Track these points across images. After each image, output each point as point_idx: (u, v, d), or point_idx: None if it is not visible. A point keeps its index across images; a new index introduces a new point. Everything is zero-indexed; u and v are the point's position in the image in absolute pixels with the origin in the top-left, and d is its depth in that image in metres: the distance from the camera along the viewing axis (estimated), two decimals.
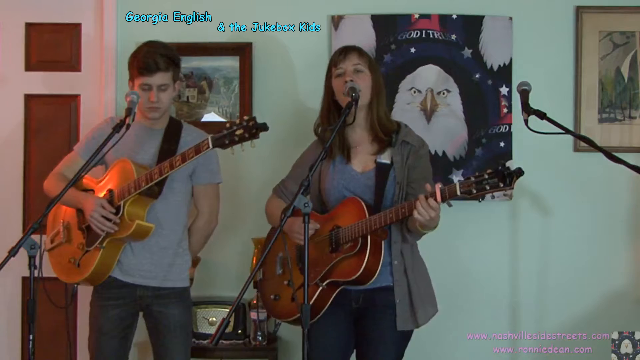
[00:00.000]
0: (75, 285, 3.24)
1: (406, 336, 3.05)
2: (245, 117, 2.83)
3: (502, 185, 2.56)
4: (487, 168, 2.61)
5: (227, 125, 2.86)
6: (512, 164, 3.70)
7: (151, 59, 3.12)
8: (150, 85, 3.13)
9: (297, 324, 3.06)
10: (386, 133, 3.05)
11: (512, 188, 2.58)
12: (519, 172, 2.55)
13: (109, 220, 3.07)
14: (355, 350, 3.11)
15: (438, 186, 2.70)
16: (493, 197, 2.62)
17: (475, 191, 2.61)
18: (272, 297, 3.13)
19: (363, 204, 2.93)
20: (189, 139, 3.21)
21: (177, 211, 3.26)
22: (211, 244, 3.79)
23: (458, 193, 2.64)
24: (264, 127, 2.80)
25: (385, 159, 3.03)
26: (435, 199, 2.68)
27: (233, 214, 3.22)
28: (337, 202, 3.03)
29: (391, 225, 2.92)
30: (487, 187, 2.58)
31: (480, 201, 2.67)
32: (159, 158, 3.16)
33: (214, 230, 3.40)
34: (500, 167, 2.56)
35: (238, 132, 2.82)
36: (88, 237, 3.16)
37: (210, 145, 2.90)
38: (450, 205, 2.74)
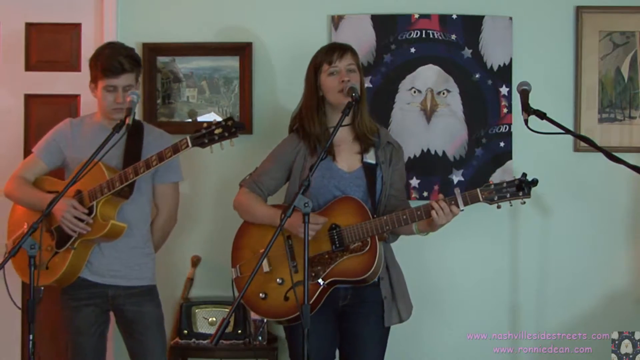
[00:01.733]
0: (42, 288, 3.15)
1: (388, 332, 3.11)
2: (224, 117, 2.91)
3: (521, 194, 2.80)
4: (503, 181, 2.83)
5: (205, 125, 2.90)
6: (511, 164, 3.73)
7: (116, 60, 3.12)
8: (115, 86, 3.14)
9: (288, 323, 3.06)
10: (370, 133, 3.09)
11: (529, 197, 2.80)
12: (535, 182, 2.79)
13: (82, 220, 3.07)
14: (340, 347, 3.13)
15: (458, 191, 2.84)
16: (511, 204, 2.87)
17: (497, 198, 2.82)
18: (260, 295, 3.04)
19: (364, 204, 2.96)
20: (150, 139, 3.24)
21: (144, 211, 3.28)
22: (211, 243, 3.79)
23: (480, 199, 2.83)
24: (242, 127, 2.91)
25: (370, 158, 3.08)
26: (457, 205, 2.83)
27: (235, 214, 3.21)
28: (327, 201, 3.03)
29: None
30: (508, 195, 2.81)
31: (498, 207, 2.86)
32: (124, 158, 3.16)
33: (213, 230, 3.39)
34: (522, 177, 2.79)
35: (217, 131, 2.88)
36: (58, 238, 3.15)
37: (190, 145, 2.92)
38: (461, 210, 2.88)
